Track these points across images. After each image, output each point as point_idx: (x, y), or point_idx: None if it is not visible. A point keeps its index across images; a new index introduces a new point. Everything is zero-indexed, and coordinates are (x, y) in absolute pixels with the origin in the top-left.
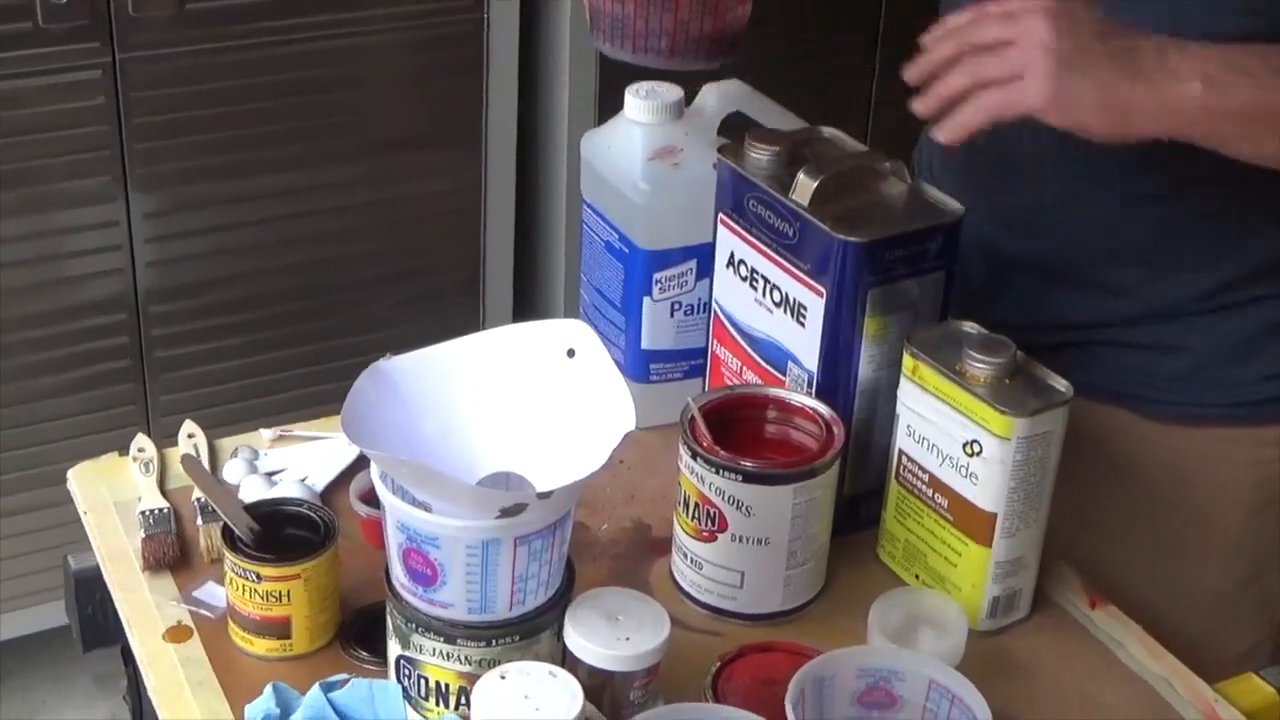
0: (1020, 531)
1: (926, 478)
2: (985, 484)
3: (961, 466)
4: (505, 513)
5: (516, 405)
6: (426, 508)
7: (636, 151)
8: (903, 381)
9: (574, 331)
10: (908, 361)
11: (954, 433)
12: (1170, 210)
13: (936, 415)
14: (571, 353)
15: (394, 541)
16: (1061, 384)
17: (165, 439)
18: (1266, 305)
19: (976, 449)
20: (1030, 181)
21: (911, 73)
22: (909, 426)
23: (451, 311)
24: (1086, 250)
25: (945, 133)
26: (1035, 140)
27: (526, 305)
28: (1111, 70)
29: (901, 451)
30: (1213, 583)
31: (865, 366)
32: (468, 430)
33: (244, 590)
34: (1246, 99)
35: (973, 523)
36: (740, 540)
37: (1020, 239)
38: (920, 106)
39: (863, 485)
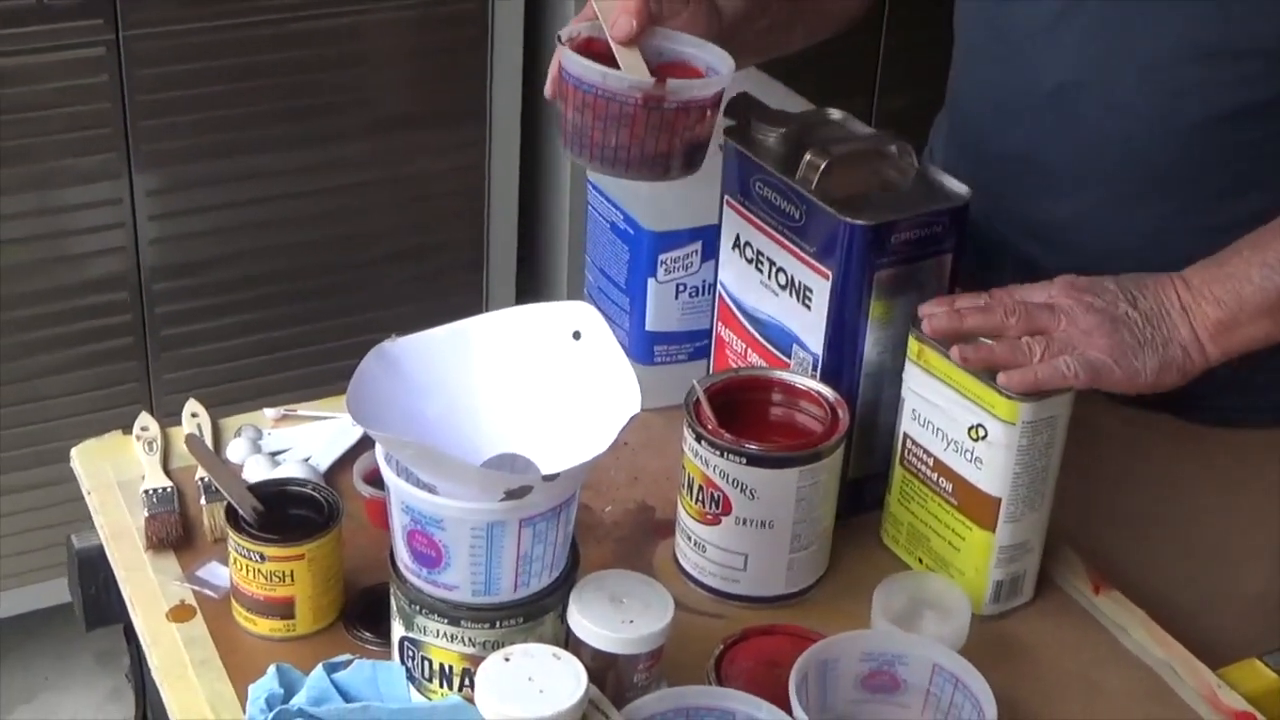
0: (1024, 516)
1: (931, 462)
2: (990, 468)
3: (966, 451)
4: (510, 495)
5: (522, 387)
6: (431, 489)
7: None
8: (908, 365)
9: (580, 313)
10: (913, 345)
11: (959, 417)
12: (1213, 219)
13: (941, 399)
14: (577, 335)
15: (398, 523)
16: None
17: (168, 418)
18: None
19: (981, 433)
20: (1066, 195)
21: (935, 325)
22: (914, 410)
23: (455, 291)
24: (1127, 263)
25: (1013, 383)
26: (1071, 153)
27: (530, 286)
28: (1152, 332)
29: (906, 435)
30: (1257, 586)
31: (870, 349)
32: (473, 412)
33: (247, 570)
34: (1259, 300)
35: (977, 507)
36: (744, 523)
37: (1057, 252)
38: (964, 356)
39: (867, 468)
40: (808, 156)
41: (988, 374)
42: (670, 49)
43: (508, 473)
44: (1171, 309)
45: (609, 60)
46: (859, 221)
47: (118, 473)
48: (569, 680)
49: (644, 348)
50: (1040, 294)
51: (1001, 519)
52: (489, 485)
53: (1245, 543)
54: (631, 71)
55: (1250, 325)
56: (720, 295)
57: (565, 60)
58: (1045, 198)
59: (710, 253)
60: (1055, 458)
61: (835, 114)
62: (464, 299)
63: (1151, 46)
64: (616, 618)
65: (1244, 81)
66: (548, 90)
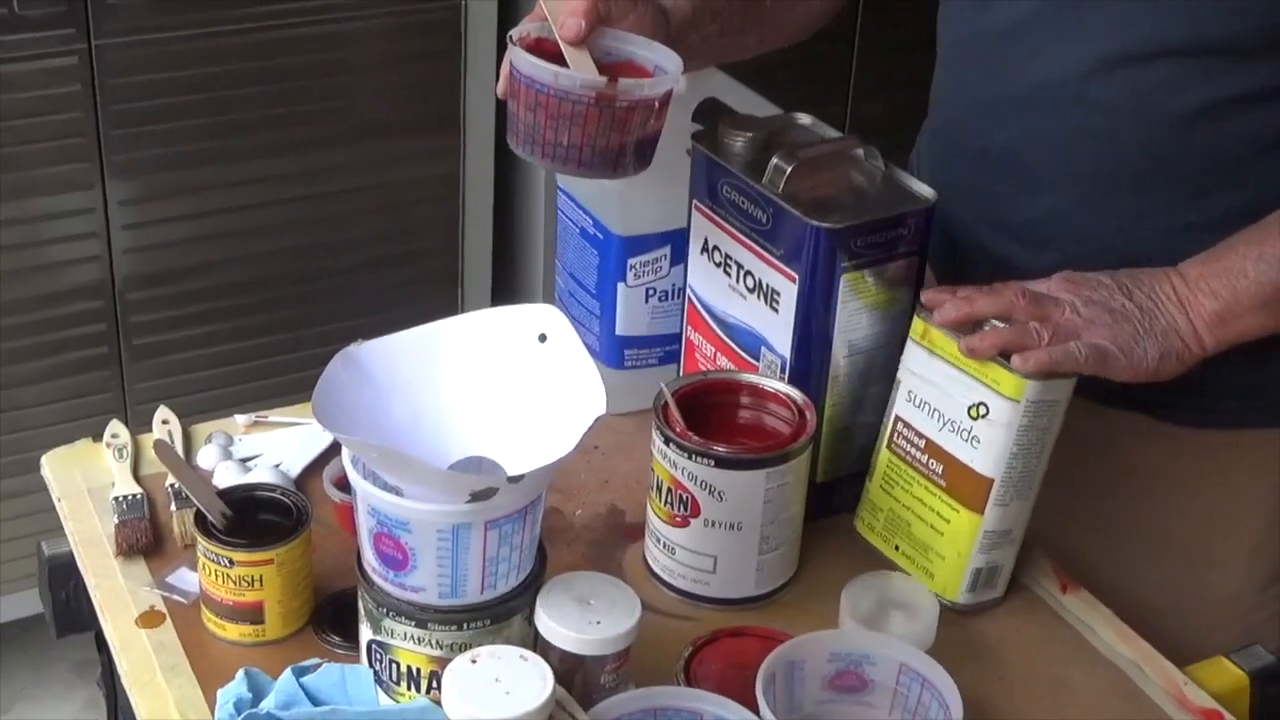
0: (1012, 502)
1: (923, 444)
2: (987, 447)
3: (964, 430)
4: (475, 496)
5: (488, 390)
6: (398, 492)
7: None
8: (909, 345)
9: (545, 316)
10: (917, 325)
11: (959, 395)
12: (1186, 216)
13: (943, 378)
14: (543, 337)
15: (365, 526)
16: None
17: (142, 426)
18: None
19: (983, 410)
20: (1043, 193)
21: (945, 316)
22: (910, 391)
23: (430, 298)
24: (1102, 260)
25: (1029, 364)
26: (1047, 151)
27: (505, 292)
28: (1150, 322)
29: (898, 418)
30: (1233, 587)
31: (838, 352)
32: (439, 415)
33: (217, 575)
34: (1254, 293)
35: (967, 488)
36: (713, 525)
37: (1033, 250)
38: (971, 347)
39: (836, 470)
40: (774, 160)
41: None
42: (618, 49)
43: (473, 475)
44: (1167, 302)
45: (558, 60)
46: (825, 224)
47: (88, 480)
48: (536, 681)
49: (614, 352)
50: (1040, 288)
51: (991, 502)
52: (454, 487)
53: (1217, 544)
54: (580, 71)
55: (1246, 317)
56: (689, 299)
57: (516, 60)
58: (1022, 196)
59: (679, 257)
60: (1049, 444)
61: (803, 118)
62: (438, 306)
63: (1122, 44)
64: (584, 619)
65: (1213, 79)
66: (500, 89)
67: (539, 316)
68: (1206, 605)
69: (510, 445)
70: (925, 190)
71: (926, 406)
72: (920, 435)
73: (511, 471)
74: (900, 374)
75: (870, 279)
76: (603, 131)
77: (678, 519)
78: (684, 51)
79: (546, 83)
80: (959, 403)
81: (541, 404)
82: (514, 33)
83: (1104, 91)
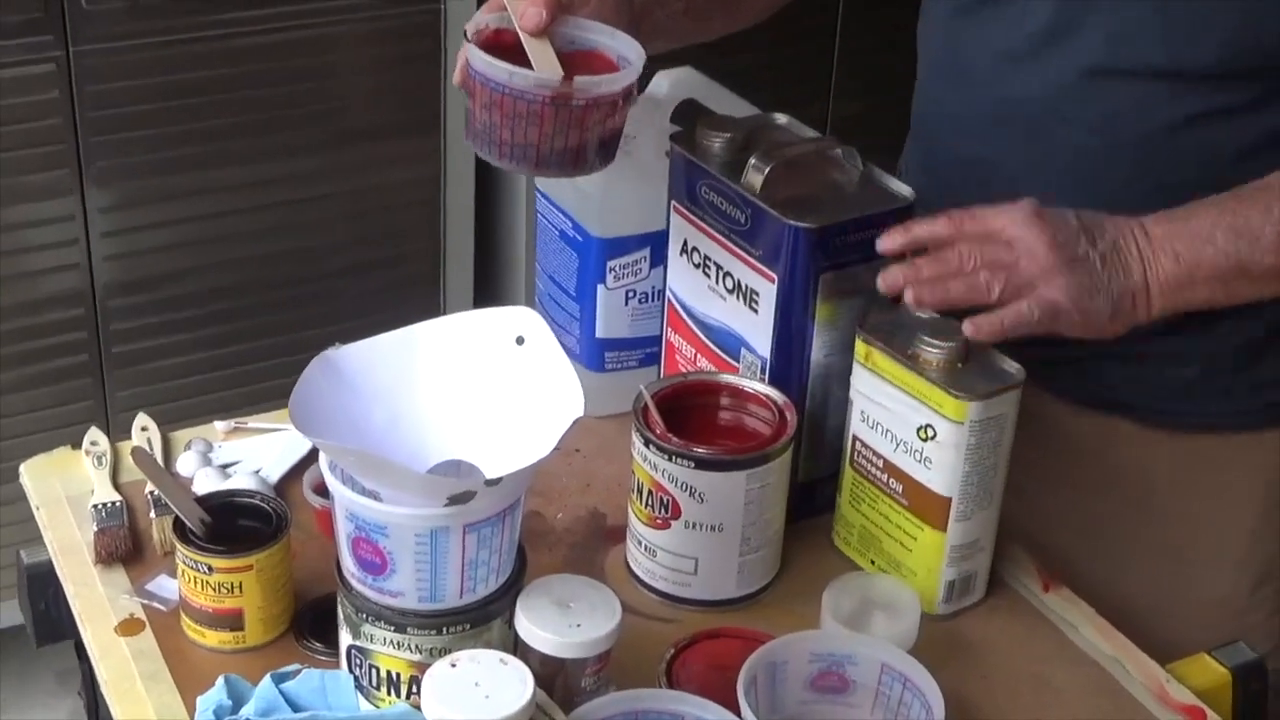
0: (975, 515)
1: (881, 463)
2: (939, 468)
3: (915, 451)
4: (453, 500)
5: (466, 393)
6: (376, 496)
7: None
8: (855, 367)
9: (523, 319)
10: (860, 347)
11: (907, 417)
12: None
13: (890, 400)
14: (521, 340)
15: (343, 531)
16: (1013, 367)
17: (123, 433)
18: (1268, 311)
19: (930, 433)
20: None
21: (887, 282)
22: (862, 412)
23: (411, 302)
24: None
25: (982, 331)
26: (1031, 158)
27: (487, 296)
28: (1109, 276)
29: (855, 437)
30: (1224, 590)
31: (818, 352)
32: (417, 418)
33: (196, 582)
34: (1216, 263)
35: (927, 507)
36: (694, 527)
37: None
38: (919, 298)
39: (817, 470)
40: (752, 161)
41: (936, 374)
42: (581, 38)
43: (452, 478)
44: (1130, 255)
45: (519, 50)
46: (803, 224)
47: (67, 488)
48: (515, 685)
49: (595, 355)
50: (1002, 218)
51: (952, 518)
52: (431, 491)
53: (1205, 547)
54: (541, 63)
55: (1201, 287)
56: (669, 301)
57: (471, 58)
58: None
59: (659, 259)
60: (1004, 456)
61: (780, 118)
62: (420, 311)
63: (1097, 64)
64: (563, 622)
65: (1184, 99)
66: (456, 79)
67: (516, 319)
68: (1195, 607)
69: (489, 448)
70: (903, 189)
71: (879, 427)
72: (878, 455)
73: (490, 475)
74: (852, 394)
75: (849, 278)
76: (560, 130)
77: (658, 521)
78: (649, 30)
79: (501, 81)
80: (908, 424)
81: (520, 407)
82: (469, 26)
83: (1080, 109)
